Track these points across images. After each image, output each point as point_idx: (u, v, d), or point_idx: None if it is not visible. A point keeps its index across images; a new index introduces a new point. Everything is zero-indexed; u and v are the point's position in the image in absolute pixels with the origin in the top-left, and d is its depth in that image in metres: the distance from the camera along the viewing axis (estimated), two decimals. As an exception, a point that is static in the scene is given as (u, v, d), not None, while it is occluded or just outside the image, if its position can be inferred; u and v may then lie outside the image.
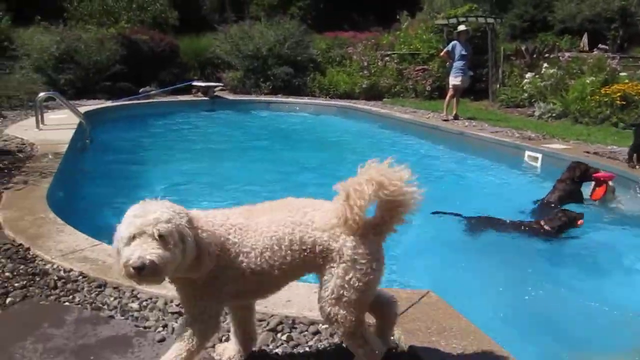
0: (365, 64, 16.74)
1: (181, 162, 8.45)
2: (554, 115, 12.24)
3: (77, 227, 4.07)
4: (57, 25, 14.31)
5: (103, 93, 13.34)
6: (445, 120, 11.59)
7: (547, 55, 15.61)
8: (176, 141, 10.38)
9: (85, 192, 6.39)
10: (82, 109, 9.94)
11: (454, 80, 11.82)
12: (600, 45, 16.60)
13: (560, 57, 14.44)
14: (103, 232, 4.72)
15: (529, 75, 14.01)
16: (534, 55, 15.72)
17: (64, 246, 3.63)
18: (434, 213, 5.62)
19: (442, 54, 12.74)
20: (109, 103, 12.51)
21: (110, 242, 4.33)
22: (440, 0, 43.75)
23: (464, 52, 11.64)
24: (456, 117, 11.78)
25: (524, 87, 14.09)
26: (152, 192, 6.42)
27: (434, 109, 13.31)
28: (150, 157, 8.75)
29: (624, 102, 11.18)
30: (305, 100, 14.93)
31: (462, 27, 12.24)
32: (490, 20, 15.61)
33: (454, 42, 11.91)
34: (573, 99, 11.98)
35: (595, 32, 32.82)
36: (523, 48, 17.40)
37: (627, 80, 12.18)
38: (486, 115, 12.71)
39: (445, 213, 5.69)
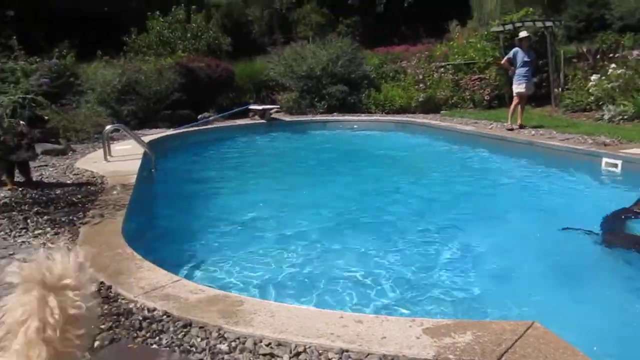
0: (421, 76, 16.52)
1: (246, 187, 8.42)
2: (625, 117, 11.65)
3: (154, 262, 4.05)
4: (119, 58, 14.79)
5: (164, 122, 13.62)
6: (510, 129, 11.21)
7: (611, 55, 14.93)
8: (238, 165, 10.41)
9: (157, 223, 6.42)
10: (145, 139, 10.14)
11: (518, 87, 11.42)
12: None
13: (629, 57, 13.76)
14: (180, 266, 4.74)
15: (594, 77, 13.42)
16: (598, 57, 15.06)
17: (145, 283, 3.58)
18: (564, 229, 5.31)
19: (503, 61, 12.34)
20: (170, 131, 12.74)
21: (189, 276, 4.31)
22: (490, 7, 43.22)
23: (526, 59, 11.30)
24: (522, 127, 11.34)
25: (590, 90, 13.49)
26: (219, 219, 6.41)
27: (495, 119, 12.91)
28: (214, 183, 8.77)
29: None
30: (362, 117, 14.81)
31: (523, 34, 11.84)
32: (548, 23, 15.11)
33: (516, 48, 11.58)
34: (646, 99, 11.37)
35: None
36: (584, 49, 16.77)
37: None
38: (552, 121, 12.22)
39: (575, 229, 5.30)
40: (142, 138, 9.92)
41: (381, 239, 5.56)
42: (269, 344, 2.73)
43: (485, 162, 9.71)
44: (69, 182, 7.40)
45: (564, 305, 4.01)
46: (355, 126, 14.23)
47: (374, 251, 5.20)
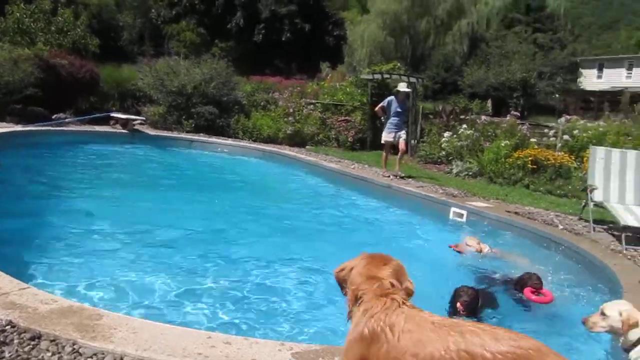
0: (291, 110, 16.87)
1: (95, 196, 7.97)
2: (470, 174, 12.81)
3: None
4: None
5: (13, 116, 12.46)
6: (386, 176, 11.24)
7: (462, 117, 16.46)
8: (91, 173, 9.80)
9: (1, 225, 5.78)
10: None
11: (386, 136, 11.73)
12: (512, 112, 17.75)
13: (477, 120, 15.27)
14: (30, 273, 4.30)
15: (447, 134, 14.67)
16: (451, 116, 16.51)
17: (-14, 288, 3.20)
18: None
19: (377, 108, 12.36)
20: (19, 127, 11.68)
21: (40, 285, 3.92)
22: (360, 56, 45.72)
23: (399, 109, 11.57)
24: (400, 177, 11.18)
25: (442, 145, 14.71)
26: (62, 227, 5.97)
27: (357, 160, 13.55)
28: (65, 188, 8.15)
29: (535, 166, 11.93)
30: (230, 141, 14.70)
31: (403, 87, 11.91)
32: (412, 79, 16.32)
33: (391, 97, 11.80)
34: (489, 160, 12.62)
35: (499, 99, 35.42)
36: (440, 108, 18.33)
37: (535, 146, 13.08)
38: (407, 170, 13.05)
39: None
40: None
41: (229, 261, 5.58)
42: (131, 360, 2.57)
43: (344, 198, 10.13)
44: None
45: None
46: (220, 149, 14.07)
47: (234, 269, 5.16)
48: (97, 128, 13.81)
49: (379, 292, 2.20)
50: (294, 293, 5.00)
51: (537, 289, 5.11)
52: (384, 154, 11.99)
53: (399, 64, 18.28)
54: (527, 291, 5.12)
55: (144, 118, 15.16)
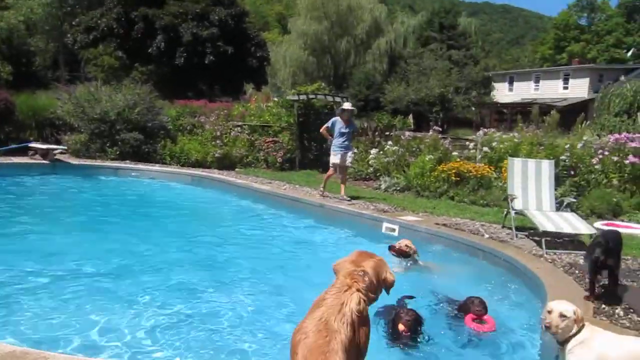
0: (219, 133, 16.80)
1: (18, 231, 7.67)
2: (398, 188, 13.20)
3: None
4: None
5: None
6: (322, 195, 11.21)
7: (387, 133, 16.96)
8: (11, 208, 9.33)
9: None
10: None
11: (333, 158, 11.40)
12: (434, 127, 18.51)
13: (402, 137, 15.79)
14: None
15: (374, 151, 15.07)
16: (376, 133, 16.98)
17: None
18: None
19: (322, 129, 12.00)
20: None
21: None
22: (283, 76, 46.19)
23: (344, 130, 11.21)
24: (346, 200, 10.90)
25: (370, 162, 15.09)
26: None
27: (287, 180, 13.66)
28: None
29: (459, 178, 12.47)
30: (157, 167, 14.43)
31: (347, 105, 11.67)
32: (337, 98, 16.71)
33: (335, 118, 11.50)
34: (415, 174, 13.07)
35: (420, 114, 36.79)
36: (365, 125, 18.81)
37: (457, 159, 13.68)
38: (337, 188, 13.27)
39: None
40: None
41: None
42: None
43: (277, 219, 10.17)
44: None
45: None
46: (148, 176, 13.77)
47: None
48: (15, 159, 13.21)
49: (348, 273, 2.91)
50: (230, 316, 5.04)
51: (479, 315, 4.97)
52: (327, 174, 11.75)
53: (323, 84, 18.63)
54: (468, 318, 5.01)
55: (65, 147, 14.61)
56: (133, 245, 7.37)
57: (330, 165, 11.59)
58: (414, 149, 14.98)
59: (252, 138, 17.38)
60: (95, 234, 7.96)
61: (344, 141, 11.28)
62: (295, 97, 16.89)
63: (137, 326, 4.58)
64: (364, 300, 2.78)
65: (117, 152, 15.05)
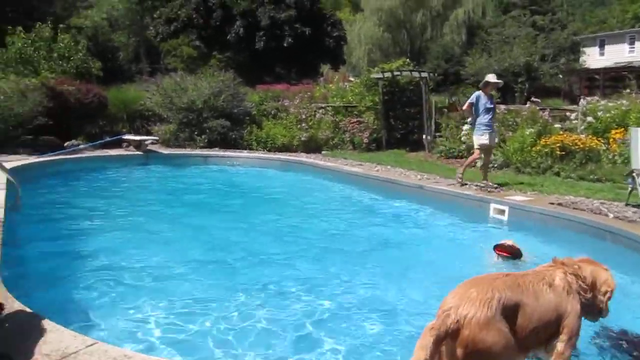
0: (303, 116, 16.60)
1: (123, 223, 7.68)
2: (495, 165, 12.49)
3: (47, 315, 3.37)
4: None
5: (25, 147, 12.22)
6: (462, 184, 9.69)
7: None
8: (113, 199, 9.47)
9: (36, 267, 5.48)
10: (6, 165, 8.90)
11: (480, 138, 9.74)
12: (532, 99, 17.43)
13: (497, 110, 14.91)
14: (85, 322, 4.01)
15: (465, 127, 14.34)
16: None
17: (50, 349, 2.90)
18: None
19: (464, 107, 10.66)
20: (33, 158, 11.42)
21: (103, 336, 3.62)
22: (358, 54, 45.51)
23: (489, 105, 9.71)
24: (491, 187, 9.39)
25: (461, 139, 14.39)
26: (108, 262, 5.67)
27: (377, 161, 13.26)
28: (93, 218, 7.85)
29: (563, 152, 11.60)
30: (245, 153, 14.44)
31: (492, 78, 10.09)
32: (424, 74, 16.05)
33: (478, 93, 9.86)
34: (514, 150, 12.31)
35: (503, 85, 35.07)
36: (453, 100, 18.04)
37: (560, 132, 12.75)
38: (430, 167, 12.75)
39: None
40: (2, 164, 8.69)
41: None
42: None
43: (375, 203, 9.79)
44: None
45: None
46: (236, 162, 13.78)
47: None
48: (111, 152, 13.56)
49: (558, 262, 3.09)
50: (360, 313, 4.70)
51: None
52: (469, 159, 10.36)
53: (407, 60, 17.96)
54: None
55: (156, 138, 14.89)
56: (244, 235, 7.18)
57: (476, 147, 9.91)
58: (510, 122, 14.13)
59: (337, 119, 17.07)
60: (203, 223, 7.88)
61: (490, 119, 9.74)
62: (380, 75, 16.37)
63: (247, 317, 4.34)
64: (568, 282, 2.80)
65: (205, 140, 15.19)
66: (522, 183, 10.08)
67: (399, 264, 6.10)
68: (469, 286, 2.55)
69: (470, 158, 10.31)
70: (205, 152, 14.41)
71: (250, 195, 10.55)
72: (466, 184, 9.70)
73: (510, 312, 2.48)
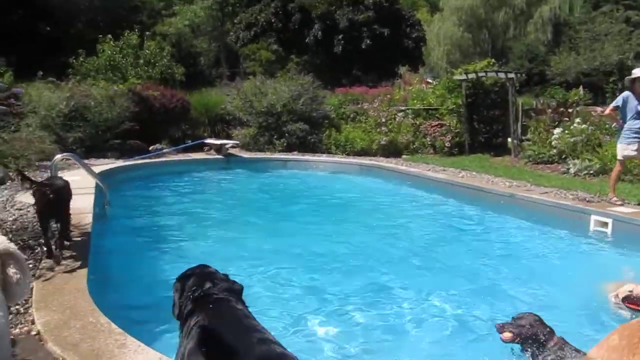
0: (383, 119, 16.26)
1: (208, 227, 7.68)
2: (591, 172, 11.64)
3: (132, 333, 3.25)
4: (67, 81, 13.76)
5: (113, 151, 12.63)
6: (618, 204, 8.18)
7: (570, 110, 15.19)
8: (199, 204, 9.57)
9: (124, 275, 5.47)
10: (95, 169, 9.15)
11: (625, 149, 8.27)
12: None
13: (592, 112, 14.01)
14: (170, 342, 3.90)
15: (557, 130, 13.51)
16: (562, 109, 15.29)
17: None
18: None
19: (607, 111, 8.97)
20: (120, 162, 11.76)
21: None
22: (437, 55, 44.53)
23: None
24: (614, 201, 8.25)
25: (552, 143, 13.55)
26: (184, 263, 5.59)
27: (461, 166, 12.69)
28: (175, 222, 7.92)
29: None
30: (324, 157, 14.27)
31: (637, 72, 8.30)
32: (511, 75, 15.30)
33: (626, 93, 8.31)
34: (612, 155, 11.40)
35: (592, 85, 33.17)
36: (541, 102, 17.11)
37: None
38: (518, 173, 12.05)
39: None
40: (92, 169, 8.95)
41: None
42: None
43: (463, 213, 9.28)
44: (11, 218, 6.39)
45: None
46: (316, 166, 13.65)
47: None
48: (193, 155, 13.79)
49: None
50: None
51: None
52: (614, 171, 8.72)
53: (493, 60, 17.18)
54: None
55: (237, 142, 15.01)
56: (328, 242, 7.03)
57: (619, 157, 8.47)
58: (606, 126, 13.17)
59: (417, 122, 16.60)
60: (279, 229, 7.77)
61: None
62: (463, 77, 15.75)
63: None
64: None
65: (284, 144, 15.15)
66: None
67: (490, 281, 5.68)
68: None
69: (614, 172, 8.70)
70: (284, 156, 14.36)
71: (333, 200, 10.36)
72: (621, 204, 8.16)
73: None
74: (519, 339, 3.64)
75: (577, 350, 3.47)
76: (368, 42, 32.60)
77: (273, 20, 34.91)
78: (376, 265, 6.13)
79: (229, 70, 42.58)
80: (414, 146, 15.86)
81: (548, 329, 3.62)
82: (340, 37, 33.09)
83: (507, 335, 3.67)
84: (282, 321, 4.41)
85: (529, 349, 3.59)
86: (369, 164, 13.34)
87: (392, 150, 15.40)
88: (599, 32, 36.45)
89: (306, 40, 34.02)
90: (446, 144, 15.70)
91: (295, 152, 14.86)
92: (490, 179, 10.95)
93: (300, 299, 5.00)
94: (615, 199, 8.34)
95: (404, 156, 15.10)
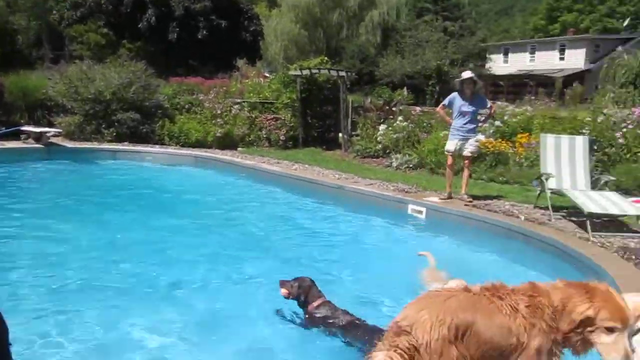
0: (219, 111, 16.13)
1: (24, 223, 7.08)
2: (410, 166, 12.71)
3: None
4: None
5: None
6: (445, 198, 8.70)
7: (394, 108, 16.38)
8: (12, 198, 8.71)
9: None
10: None
11: (447, 144, 8.98)
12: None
13: (412, 112, 15.24)
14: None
15: (382, 127, 14.52)
16: (387, 108, 16.40)
17: None
18: None
19: (437, 109, 9.90)
20: None
21: None
22: (275, 50, 45.20)
23: (465, 108, 8.59)
24: (467, 200, 8.57)
25: (378, 139, 14.54)
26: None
27: (294, 159, 13.11)
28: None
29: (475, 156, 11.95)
30: (157, 149, 13.78)
31: (466, 74, 8.83)
32: (342, 73, 16.09)
33: (453, 94, 8.87)
34: (428, 151, 12.57)
35: (415, 87, 36.13)
36: (369, 101, 18.22)
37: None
38: (347, 166, 12.75)
39: None
40: None
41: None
42: None
43: (294, 203, 9.61)
44: None
45: None
46: (149, 158, 13.13)
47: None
48: (7, 144, 12.51)
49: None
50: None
51: None
52: (447, 169, 9.14)
53: (326, 58, 17.92)
54: None
55: (59, 130, 13.88)
56: (142, 236, 6.81)
57: (445, 152, 9.14)
58: (424, 124, 14.45)
59: (253, 116, 16.74)
60: (105, 224, 7.38)
61: (465, 123, 8.63)
62: (298, 72, 16.21)
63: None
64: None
65: (114, 134, 14.34)
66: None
67: (320, 264, 5.99)
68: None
69: (447, 168, 9.16)
70: (114, 146, 13.60)
71: (162, 193, 10.05)
72: (450, 198, 8.73)
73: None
74: (292, 296, 4.42)
75: (346, 312, 4.26)
76: (205, 32, 32.09)
77: (102, 2, 32.76)
78: (211, 256, 6.13)
79: (53, 53, 39.13)
80: (250, 139, 15.98)
81: (317, 292, 4.42)
82: (175, 24, 32.11)
83: (283, 291, 4.45)
84: (102, 313, 4.24)
85: (301, 306, 4.41)
86: (204, 156, 13.18)
87: (228, 143, 15.36)
88: (421, 38, 39.60)
89: (139, 26, 32.46)
90: (281, 138, 16.04)
91: (126, 143, 14.15)
92: (322, 171, 11.46)
93: (122, 291, 4.84)
94: (465, 195, 8.71)
95: (239, 148, 15.15)
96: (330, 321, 4.21)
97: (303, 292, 4.40)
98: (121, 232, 6.92)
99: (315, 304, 4.34)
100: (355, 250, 6.89)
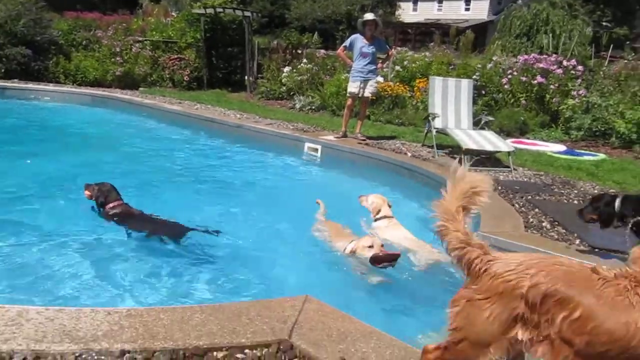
0: (118, 49, 15.52)
1: None
2: (313, 107, 13.00)
3: None
4: None
5: None
6: (340, 137, 9.05)
7: (299, 51, 16.45)
8: None
9: None
10: None
11: (349, 86, 9.14)
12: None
13: (316, 54, 15.39)
14: None
15: (287, 69, 14.62)
16: (289, 51, 16.43)
17: None
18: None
19: (338, 51, 9.90)
20: None
21: None
22: (180, -12, 43.21)
23: (366, 50, 8.76)
24: (361, 139, 8.95)
25: (282, 81, 14.66)
26: None
27: (197, 100, 13.02)
28: None
29: (374, 98, 12.39)
30: (52, 87, 13.16)
31: (369, 16, 8.95)
32: (247, 13, 15.88)
33: (354, 35, 9.00)
34: (330, 93, 12.88)
35: (325, 31, 36.16)
36: (275, 43, 18.14)
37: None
38: (251, 107, 12.83)
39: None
40: None
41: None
42: None
43: (194, 142, 9.64)
44: None
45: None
46: (43, 97, 12.51)
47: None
48: None
49: None
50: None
51: None
52: (345, 106, 9.42)
53: (230, -3, 17.56)
54: None
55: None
56: (35, 178, 6.62)
57: (347, 94, 9.27)
58: (328, 67, 14.70)
59: (156, 55, 16.26)
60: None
61: (365, 64, 8.81)
62: (202, 11, 15.82)
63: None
64: None
65: (2, 70, 13.51)
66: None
67: (214, 197, 6.19)
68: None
69: (345, 108, 9.43)
70: (3, 83, 12.79)
71: (58, 134, 9.70)
72: (344, 136, 9.07)
73: None
74: (93, 197, 5.04)
75: (142, 213, 4.94)
76: (105, -35, 30.12)
77: None
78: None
79: None
80: (152, 79, 15.62)
81: (115, 196, 5.03)
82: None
83: (87, 193, 5.08)
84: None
85: (100, 207, 5.03)
86: (102, 95, 12.75)
87: (129, 83, 14.92)
88: (332, -18, 39.41)
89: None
90: (185, 78, 15.77)
91: (16, 80, 13.37)
92: (224, 111, 11.49)
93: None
94: (342, 130, 9.13)
95: (141, 89, 14.76)
96: (124, 218, 4.87)
97: (102, 194, 5.00)
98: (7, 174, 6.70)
99: (111, 204, 4.97)
100: (251, 186, 7.10)
